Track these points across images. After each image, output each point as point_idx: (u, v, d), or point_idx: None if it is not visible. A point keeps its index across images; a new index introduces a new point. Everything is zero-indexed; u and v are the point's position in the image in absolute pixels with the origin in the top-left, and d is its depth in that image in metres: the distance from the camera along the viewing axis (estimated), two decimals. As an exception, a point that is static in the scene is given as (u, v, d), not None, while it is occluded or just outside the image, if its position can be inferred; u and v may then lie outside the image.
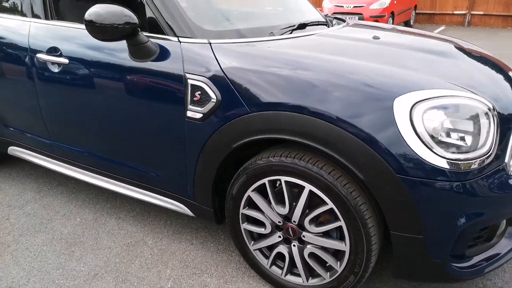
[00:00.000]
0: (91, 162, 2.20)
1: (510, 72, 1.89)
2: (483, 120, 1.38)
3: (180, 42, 1.71)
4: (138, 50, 1.74)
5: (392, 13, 9.01)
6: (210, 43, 1.68)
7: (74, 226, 2.27)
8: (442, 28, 11.05)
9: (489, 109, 1.40)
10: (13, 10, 2.29)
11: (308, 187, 1.51)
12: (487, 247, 1.58)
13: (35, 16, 2.16)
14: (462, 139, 1.35)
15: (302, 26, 2.05)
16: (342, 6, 8.87)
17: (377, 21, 8.68)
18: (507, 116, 1.52)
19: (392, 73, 1.46)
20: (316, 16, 2.38)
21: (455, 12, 11.47)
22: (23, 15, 2.20)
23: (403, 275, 1.53)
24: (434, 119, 1.33)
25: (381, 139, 1.34)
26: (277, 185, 1.62)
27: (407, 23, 10.84)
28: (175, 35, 1.73)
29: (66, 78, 2.02)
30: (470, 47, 2.15)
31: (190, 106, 1.68)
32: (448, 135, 1.35)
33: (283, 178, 1.56)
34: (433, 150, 1.32)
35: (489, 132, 1.39)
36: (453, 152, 1.34)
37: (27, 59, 2.14)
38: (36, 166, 2.95)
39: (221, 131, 1.63)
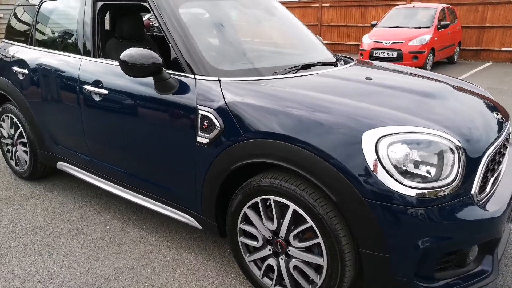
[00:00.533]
0: (121, 178, 2.55)
1: (495, 112, 2.03)
2: (447, 155, 1.56)
3: (196, 79, 2.04)
4: (161, 84, 2.08)
5: (433, 49, 9.04)
6: (219, 80, 1.99)
7: (103, 233, 2.60)
8: (488, 64, 10.84)
9: (455, 146, 1.57)
10: (69, 48, 2.76)
11: (292, 206, 1.74)
12: (460, 273, 1.70)
13: (86, 54, 2.60)
14: (425, 170, 1.53)
15: (307, 67, 2.32)
16: (381, 42, 9.04)
17: (416, 57, 8.77)
18: (476, 152, 1.67)
19: (366, 110, 1.68)
20: (324, 56, 2.63)
21: (503, 49, 11.23)
22: (77, 53, 2.65)
23: (374, 290, 1.69)
24: (397, 151, 1.53)
25: (351, 168, 1.55)
26: (268, 204, 1.85)
27: (450, 59, 10.77)
28: (192, 73, 2.06)
29: (105, 106, 2.41)
30: (464, 87, 2.31)
31: (199, 133, 1.98)
32: (412, 166, 1.53)
33: (272, 198, 1.80)
34: (395, 178, 1.51)
35: (453, 166, 1.56)
36: (417, 181, 1.52)
37: (76, 89, 2.57)
38: (78, 179, 3.38)
39: (223, 155, 1.90)
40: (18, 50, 3.13)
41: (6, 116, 3.32)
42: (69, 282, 2.14)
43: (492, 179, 1.78)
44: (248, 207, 1.91)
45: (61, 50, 2.82)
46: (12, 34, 3.34)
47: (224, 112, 1.89)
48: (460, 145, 1.60)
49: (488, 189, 1.73)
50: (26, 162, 3.31)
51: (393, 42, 8.91)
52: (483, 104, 2.09)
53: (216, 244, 2.47)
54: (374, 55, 9.09)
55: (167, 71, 2.08)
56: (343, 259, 1.65)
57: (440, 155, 1.55)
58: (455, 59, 10.95)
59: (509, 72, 9.42)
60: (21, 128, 3.20)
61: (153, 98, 2.15)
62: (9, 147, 3.43)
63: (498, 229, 1.68)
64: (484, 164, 1.66)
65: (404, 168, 1.53)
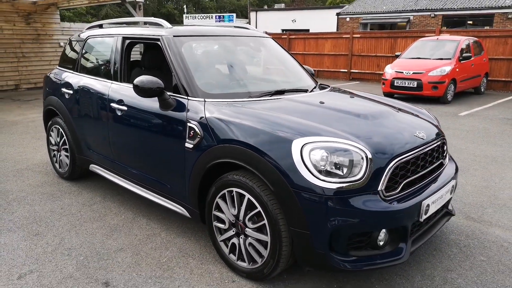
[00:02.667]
0: (135, 176, 3.22)
1: (419, 131, 2.51)
2: (356, 159, 2.08)
3: (188, 99, 2.69)
4: (163, 103, 2.76)
5: (454, 80, 9.30)
6: (204, 101, 2.64)
7: (119, 220, 3.27)
8: (517, 95, 10.86)
9: (363, 152, 2.09)
10: (104, 74, 3.53)
11: (247, 195, 2.31)
12: (372, 253, 2.17)
13: (114, 79, 3.35)
14: (338, 169, 2.06)
15: (280, 92, 2.92)
16: (402, 72, 9.44)
17: (436, 87, 9.07)
18: (383, 160, 2.16)
19: (300, 124, 2.25)
20: (302, 83, 3.22)
21: (533, 80, 11.21)
22: (109, 78, 3.41)
23: (301, 262, 2.20)
24: (316, 155, 2.07)
25: (283, 165, 2.11)
26: (232, 194, 2.43)
27: (476, 90, 10.90)
28: (187, 95, 2.72)
29: (124, 119, 3.12)
30: (406, 110, 2.81)
31: (187, 140, 2.62)
32: (329, 166, 2.07)
33: (234, 190, 2.38)
34: (314, 174, 2.05)
35: (361, 167, 2.07)
36: (332, 178, 2.05)
37: (106, 106, 3.31)
38: (105, 179, 4.11)
39: (202, 157, 2.52)
40: (66, 75, 3.97)
41: (54, 127, 4.14)
42: (87, 251, 2.80)
43: (403, 182, 2.25)
44: (219, 197, 2.50)
45: (97, 76, 3.60)
46: (64, 62, 4.21)
47: (203, 124, 2.52)
48: (368, 153, 2.11)
49: (398, 190, 2.21)
50: (67, 165, 4.09)
51: (413, 73, 9.27)
52: (410, 124, 2.57)
53: (204, 232, 3.05)
54: (395, 84, 9.48)
55: (168, 93, 2.76)
56: (281, 236, 2.19)
57: (351, 159, 2.07)
58: (482, 90, 11.06)
59: (534, 104, 9.44)
60: (64, 137, 4.00)
61: (158, 114, 2.83)
62: (55, 152, 4.25)
63: (404, 220, 2.15)
64: (390, 169, 2.15)
65: (322, 167, 2.06)
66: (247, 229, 2.37)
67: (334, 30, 24.77)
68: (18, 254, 2.77)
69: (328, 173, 2.06)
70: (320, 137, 2.14)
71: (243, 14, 54.33)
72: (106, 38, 3.62)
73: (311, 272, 2.51)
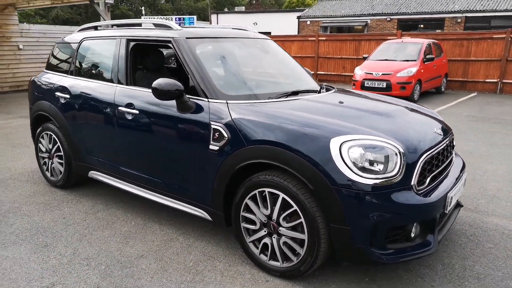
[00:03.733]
0: (146, 182, 3.14)
1: (436, 128, 2.66)
2: (391, 156, 2.17)
3: (209, 102, 2.68)
4: (182, 106, 2.73)
5: (419, 80, 9.79)
6: (227, 103, 2.63)
7: (130, 227, 3.18)
8: (473, 94, 11.59)
9: (397, 149, 2.19)
10: (105, 78, 3.42)
11: (281, 195, 2.33)
12: (407, 245, 2.27)
13: (120, 82, 3.26)
14: (376, 166, 2.15)
15: (295, 93, 2.97)
16: (372, 74, 9.81)
17: (404, 87, 9.51)
18: (414, 155, 2.27)
19: (334, 123, 2.32)
20: (309, 85, 3.29)
21: (487, 80, 12.02)
22: (113, 81, 3.31)
23: (341, 257, 2.26)
24: (355, 152, 2.15)
25: (322, 164, 2.16)
26: (263, 195, 2.44)
27: (438, 90, 11.54)
28: (206, 97, 2.71)
29: (135, 123, 3.04)
30: (417, 109, 2.96)
31: (211, 142, 2.60)
32: (367, 163, 2.14)
33: (267, 190, 2.40)
34: (354, 171, 2.12)
35: (396, 163, 2.17)
36: (370, 174, 2.13)
37: (112, 110, 3.21)
38: (104, 187, 3.97)
39: (229, 158, 2.52)
40: (60, 79, 3.80)
41: (45, 133, 3.95)
42: (107, 260, 2.70)
43: (430, 177, 2.38)
44: (248, 198, 2.51)
45: (98, 79, 3.48)
46: (54, 66, 4.02)
47: (230, 126, 2.52)
48: (401, 149, 2.21)
49: (426, 183, 2.33)
50: (61, 172, 3.91)
51: (382, 74, 9.67)
52: (427, 121, 2.72)
53: (222, 235, 3.04)
54: (366, 85, 9.83)
55: (187, 96, 2.73)
56: (319, 234, 2.24)
57: (387, 156, 2.16)
58: (443, 89, 11.72)
59: (490, 102, 10.13)
60: (58, 143, 3.82)
61: (175, 116, 2.79)
62: (46, 160, 4.05)
63: (433, 212, 2.27)
64: (420, 164, 2.27)
65: (360, 164, 2.14)
66: (280, 228, 2.40)
67: (295, 33, 25.22)
68: (32, 267, 2.63)
69: (366, 170, 2.14)
70: (357, 135, 2.21)
71: (201, 16, 53.96)
72: (105, 40, 3.51)
73: (341, 267, 2.58)
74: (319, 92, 3.20)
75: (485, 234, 3.07)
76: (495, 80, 11.92)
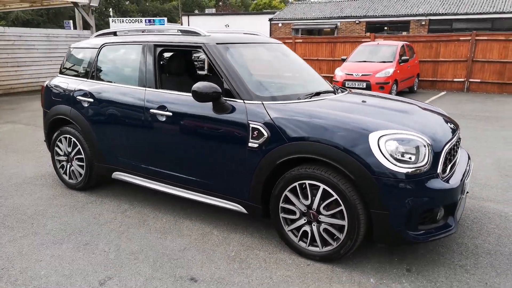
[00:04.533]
0: (179, 180, 3.30)
1: (449, 123, 3.00)
2: (421, 148, 2.47)
3: (245, 103, 2.90)
4: (219, 107, 2.93)
5: (396, 80, 10.35)
6: (263, 103, 2.86)
7: (163, 223, 3.34)
8: (443, 93, 12.33)
9: (426, 142, 2.49)
10: (133, 81, 3.55)
11: (322, 186, 2.59)
12: (433, 226, 2.58)
13: (149, 86, 3.41)
14: (408, 157, 2.44)
15: (317, 94, 3.24)
16: (352, 75, 10.27)
17: (382, 87, 10.02)
18: (438, 147, 2.59)
19: (369, 120, 2.60)
20: (325, 86, 3.57)
21: (455, 80, 12.81)
22: (141, 85, 3.45)
23: (379, 239, 2.54)
24: (391, 145, 2.43)
25: (363, 156, 2.43)
26: (303, 186, 2.69)
27: (411, 89, 12.18)
28: (241, 99, 2.92)
29: (169, 124, 3.21)
30: (427, 107, 3.30)
31: (250, 140, 2.82)
32: (400, 154, 2.44)
33: (307, 182, 2.65)
34: (391, 161, 2.41)
35: (425, 155, 2.47)
36: (404, 164, 2.42)
37: (142, 112, 3.36)
38: (123, 187, 4.09)
39: (270, 154, 2.75)
40: (80, 83, 3.89)
41: (63, 137, 4.02)
42: (152, 254, 2.86)
43: (449, 165, 2.71)
44: (288, 190, 2.74)
45: (124, 83, 3.60)
46: (71, 70, 4.10)
47: (270, 125, 2.75)
48: (429, 142, 2.52)
49: (447, 171, 2.66)
50: (80, 175, 3.99)
51: (362, 75, 10.15)
52: (440, 118, 3.06)
53: (254, 227, 3.26)
54: (346, 85, 10.27)
55: (223, 98, 2.93)
56: (359, 219, 2.51)
57: (417, 148, 2.47)
58: (415, 88, 12.39)
59: (460, 100, 10.85)
60: (79, 146, 3.90)
61: (211, 117, 2.98)
62: (64, 163, 4.11)
63: (455, 196, 2.60)
64: (443, 154, 2.59)
65: (396, 156, 2.43)
66: (320, 216, 2.65)
67: (267, 35, 25.61)
68: (81, 263, 2.75)
69: (401, 160, 2.43)
70: (391, 130, 2.50)
71: (168, 18, 53.54)
72: (130, 46, 3.65)
73: (372, 249, 2.86)
74: (335, 93, 3.48)
75: (486, 217, 3.45)
76: (462, 79, 12.72)
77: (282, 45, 3.96)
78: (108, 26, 33.95)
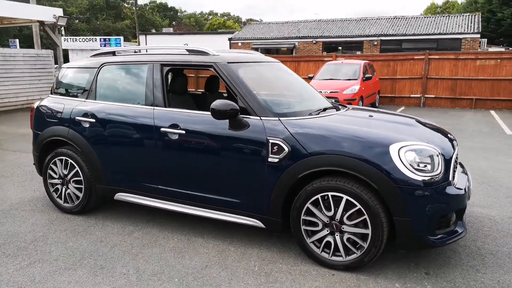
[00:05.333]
0: (192, 198, 3.29)
1: (448, 134, 3.25)
2: (435, 157, 2.67)
3: (261, 119, 2.98)
4: (236, 124, 3.00)
5: (361, 97, 10.86)
6: (279, 119, 2.97)
7: (176, 243, 3.30)
8: (402, 108, 13.07)
9: (438, 152, 2.70)
10: (138, 101, 3.53)
11: (345, 197, 2.71)
12: (447, 231, 2.77)
13: (157, 105, 3.40)
14: (424, 166, 2.63)
15: (324, 110, 3.39)
16: (321, 92, 10.63)
17: (350, 103, 10.45)
18: (448, 157, 2.81)
19: (386, 133, 2.78)
20: (327, 103, 3.75)
21: (412, 96, 13.64)
22: (149, 104, 3.43)
23: (402, 245, 2.69)
24: (410, 156, 2.61)
25: (385, 166, 2.59)
26: (325, 198, 2.79)
27: (373, 105, 12.80)
28: (257, 116, 3.01)
29: (182, 143, 3.22)
30: (423, 121, 3.55)
31: (270, 155, 2.90)
32: (417, 164, 2.62)
33: (330, 193, 2.76)
34: (411, 171, 2.58)
35: (439, 163, 2.67)
36: (422, 173, 2.60)
37: (151, 131, 3.34)
38: (122, 209, 3.99)
39: (291, 168, 2.84)
40: (79, 103, 3.79)
41: (58, 159, 3.87)
42: (175, 273, 2.83)
43: (456, 174, 2.94)
44: (310, 203, 2.84)
45: (127, 103, 3.57)
46: (64, 91, 3.99)
47: (290, 140, 2.85)
48: (440, 151, 2.73)
49: (456, 179, 2.88)
50: (77, 198, 3.85)
51: (330, 92, 10.56)
52: (440, 130, 3.31)
53: (268, 241, 3.30)
54: (316, 102, 10.62)
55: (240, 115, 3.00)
56: (382, 227, 2.65)
57: (431, 157, 2.66)
58: (377, 104, 13.03)
59: (420, 114, 11.50)
60: (77, 168, 3.78)
61: (228, 134, 3.04)
62: (58, 186, 3.95)
63: (464, 201, 2.81)
64: (452, 163, 2.81)
65: (414, 165, 2.60)
66: (343, 226, 2.76)
67: (228, 54, 25.88)
68: (104, 288, 2.67)
69: (419, 169, 2.61)
70: (408, 141, 2.69)
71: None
72: (133, 65, 3.63)
73: (388, 257, 3.00)
74: (338, 109, 3.65)
75: (478, 221, 3.72)
76: (418, 95, 13.56)
77: (281, 64, 4.11)
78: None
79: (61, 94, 4.02)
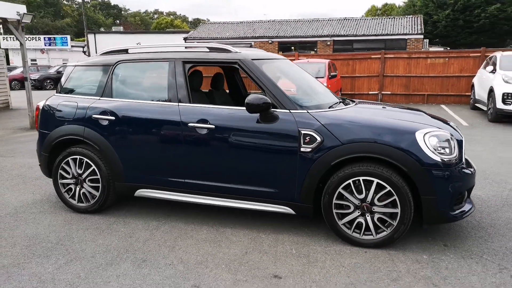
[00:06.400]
0: (220, 190, 3.41)
1: (450, 122, 3.65)
2: (451, 141, 3.02)
3: (291, 112, 3.19)
4: (267, 118, 3.18)
5: (328, 94, 11.36)
6: (308, 112, 3.19)
7: (206, 234, 3.41)
8: (362, 105, 13.79)
9: (451, 136, 3.06)
10: (161, 97, 3.58)
11: (375, 180, 2.99)
12: (460, 206, 3.14)
13: (182, 101, 3.49)
14: (444, 149, 2.97)
15: (339, 103, 3.66)
16: (290, 90, 10.97)
17: (318, 100, 10.91)
18: (459, 140, 3.18)
19: (408, 121, 3.10)
20: (337, 97, 4.02)
21: (370, 92, 14.43)
22: (173, 100, 3.50)
23: (429, 220, 3.01)
24: (433, 140, 2.94)
25: (413, 151, 2.90)
26: (356, 183, 3.05)
27: (336, 102, 13.40)
28: (286, 109, 3.21)
29: (213, 136, 3.33)
30: (427, 112, 3.94)
31: (303, 145, 3.11)
32: (439, 147, 2.95)
33: (361, 178, 3.02)
34: (435, 154, 2.91)
35: (454, 147, 3.03)
36: (443, 155, 2.94)
37: (177, 127, 3.42)
38: (145, 204, 4.01)
39: (324, 157, 3.07)
40: (94, 102, 3.76)
41: (71, 158, 3.82)
42: (219, 261, 2.95)
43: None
44: (341, 188, 3.08)
45: (147, 100, 3.61)
46: (75, 89, 3.93)
47: (322, 130, 3.08)
48: (453, 136, 3.09)
49: (463, 161, 3.26)
50: (93, 197, 3.82)
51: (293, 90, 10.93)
52: (441, 119, 3.69)
53: (296, 227, 3.50)
54: (286, 100, 10.96)
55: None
56: (410, 206, 2.95)
57: (449, 141, 3.01)
58: (339, 101, 13.65)
59: (382, 110, 12.28)
60: (93, 167, 3.75)
61: (259, 127, 3.21)
62: (72, 186, 3.89)
63: (474, 180, 3.20)
64: (463, 146, 3.19)
65: (437, 149, 2.94)
66: (374, 207, 3.04)
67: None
68: (155, 278, 2.74)
69: (441, 153, 2.95)
70: (429, 128, 3.03)
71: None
72: (153, 63, 3.68)
73: (412, 231, 3.32)
74: (348, 103, 3.92)
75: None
76: (376, 92, 14.38)
77: (289, 61, 4.33)
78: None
79: (70, 93, 3.96)
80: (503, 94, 8.90)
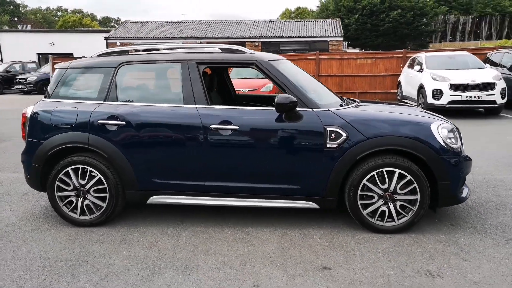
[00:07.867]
0: (241, 191, 3.43)
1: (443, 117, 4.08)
2: (455, 132, 3.41)
3: (314, 111, 3.33)
4: (293, 116, 3.29)
5: (275, 94, 11.69)
6: (329, 110, 3.36)
7: (232, 235, 3.40)
8: (301, 103, 14.40)
9: (455, 127, 3.45)
10: (175, 100, 3.48)
11: (397, 171, 3.26)
12: (462, 190, 3.55)
13: (199, 103, 3.42)
14: (451, 140, 3.34)
15: (347, 103, 3.89)
16: (240, 90, 11.10)
17: (266, 100, 11.18)
18: (459, 133, 3.59)
19: (420, 116, 3.42)
20: (336, 96, 4.25)
21: (307, 92, 15.12)
22: (189, 103, 3.42)
23: (443, 203, 3.35)
24: (444, 132, 3.30)
25: (430, 141, 3.22)
26: (379, 174, 3.29)
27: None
28: (308, 107, 3.35)
29: (237, 137, 3.34)
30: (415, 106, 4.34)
31: (328, 142, 3.27)
32: (449, 138, 3.31)
33: (384, 169, 3.27)
34: (447, 143, 3.26)
35: (457, 136, 3.42)
36: (452, 144, 3.30)
37: (198, 129, 3.36)
38: (146, 212, 3.84)
39: (350, 151, 3.26)
40: (97, 106, 3.51)
41: (72, 169, 3.52)
42: (263, 259, 2.99)
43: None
44: (366, 180, 3.30)
45: (160, 102, 3.48)
46: (70, 93, 3.63)
47: (347, 126, 3.27)
48: (456, 127, 3.49)
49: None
50: (99, 208, 3.57)
51: (249, 90, 11.10)
52: (436, 114, 4.12)
53: (315, 220, 3.64)
54: (235, 101, 11.05)
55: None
56: (428, 192, 3.27)
57: (453, 132, 3.40)
58: (280, 101, 14.09)
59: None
60: (99, 176, 3.50)
61: (285, 126, 3.31)
62: (72, 198, 3.58)
63: (471, 167, 3.63)
64: (461, 137, 3.61)
65: (447, 139, 3.29)
66: (396, 195, 3.31)
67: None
68: (210, 283, 2.69)
69: (451, 142, 3.31)
70: (440, 121, 3.38)
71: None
72: (161, 64, 3.56)
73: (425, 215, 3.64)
74: (350, 102, 4.14)
75: (446, 185, 4.68)
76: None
77: (289, 61, 4.45)
78: None
79: (63, 98, 3.64)
80: (433, 90, 9.99)
